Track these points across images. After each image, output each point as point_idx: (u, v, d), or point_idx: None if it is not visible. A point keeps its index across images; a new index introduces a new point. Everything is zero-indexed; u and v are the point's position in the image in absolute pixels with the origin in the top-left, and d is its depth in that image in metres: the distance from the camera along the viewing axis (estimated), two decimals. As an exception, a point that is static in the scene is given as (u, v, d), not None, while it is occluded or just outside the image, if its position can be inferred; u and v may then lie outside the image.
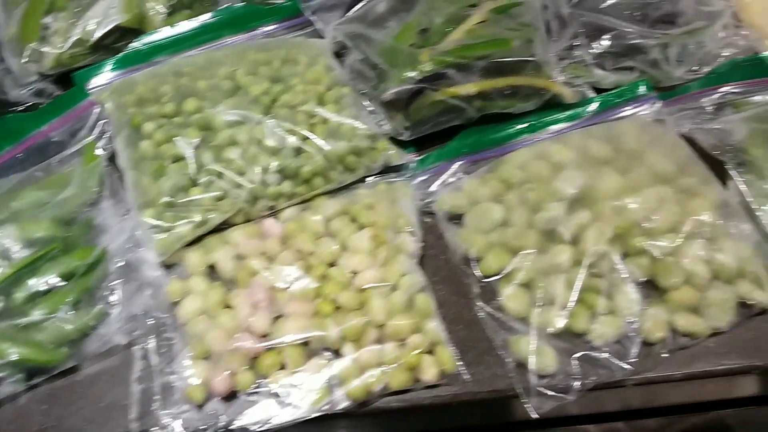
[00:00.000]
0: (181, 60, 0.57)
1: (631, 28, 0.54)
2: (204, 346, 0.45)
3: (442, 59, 0.52)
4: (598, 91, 0.56)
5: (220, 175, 0.49)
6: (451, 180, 0.52)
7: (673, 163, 0.48)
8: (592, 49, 0.54)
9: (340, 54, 0.58)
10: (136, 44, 0.59)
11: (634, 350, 0.44)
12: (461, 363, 0.45)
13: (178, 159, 0.50)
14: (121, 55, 0.58)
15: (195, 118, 0.51)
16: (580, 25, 0.55)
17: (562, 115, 0.54)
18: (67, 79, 0.59)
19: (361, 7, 0.58)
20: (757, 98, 0.54)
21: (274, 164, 0.49)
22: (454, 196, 0.50)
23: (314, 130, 0.51)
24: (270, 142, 0.50)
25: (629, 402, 0.55)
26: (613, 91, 0.55)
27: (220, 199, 0.49)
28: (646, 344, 0.44)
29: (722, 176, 0.49)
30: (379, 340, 0.44)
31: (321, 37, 0.60)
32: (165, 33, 0.59)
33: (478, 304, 0.46)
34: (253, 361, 0.44)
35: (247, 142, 0.50)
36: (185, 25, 0.59)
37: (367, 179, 0.53)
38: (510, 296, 0.46)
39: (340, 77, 0.55)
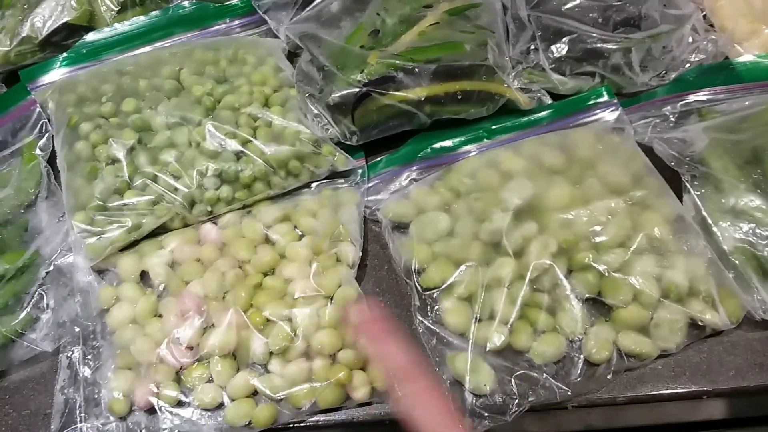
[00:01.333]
0: (126, 58, 0.55)
1: (592, 31, 0.52)
2: (130, 356, 0.43)
3: (390, 62, 0.49)
4: (558, 97, 0.53)
5: (155, 178, 0.47)
6: (400, 187, 0.50)
7: (626, 175, 0.46)
8: (551, 53, 0.52)
9: (297, 54, 0.56)
10: (84, 42, 0.57)
11: (576, 371, 0.42)
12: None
13: (115, 161, 0.48)
14: (68, 53, 0.57)
15: (133, 119, 0.49)
16: (539, 27, 0.52)
17: (517, 122, 0.52)
18: (16, 77, 0.57)
19: (314, 6, 0.56)
20: (723, 107, 0.51)
21: (212, 168, 0.47)
22: (399, 204, 0.49)
23: (257, 133, 0.49)
24: (209, 145, 0.48)
25: (590, 422, 0.53)
26: (571, 98, 0.53)
27: (155, 203, 0.47)
28: (590, 365, 0.42)
29: (680, 189, 0.47)
30: (309, 355, 0.43)
31: (277, 36, 0.58)
32: (115, 30, 0.58)
33: (417, 317, 0.44)
34: (180, 373, 0.43)
35: (185, 145, 0.49)
36: (135, 23, 0.58)
37: (313, 185, 0.51)
38: (449, 310, 0.44)
39: (289, 79, 0.53)
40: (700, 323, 0.42)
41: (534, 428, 0.49)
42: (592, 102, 0.52)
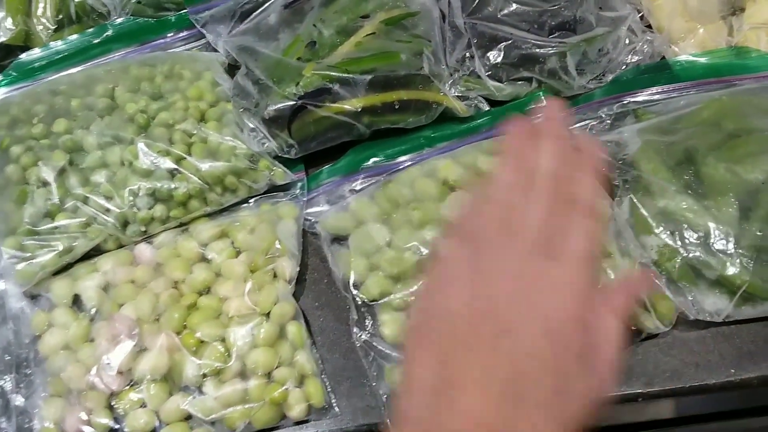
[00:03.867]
0: (61, 77, 0.54)
1: (527, 37, 0.52)
2: (61, 383, 0.42)
3: (326, 74, 0.49)
4: (498, 103, 0.53)
5: (86, 200, 0.47)
6: (340, 199, 0.50)
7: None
8: (487, 60, 0.52)
9: (238, 67, 0.56)
10: (20, 62, 0.56)
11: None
12: (333, 395, 0.43)
13: (45, 183, 0.47)
14: (3, 74, 0.56)
15: (63, 140, 0.48)
16: (475, 35, 0.52)
17: (456, 129, 0.52)
18: (-50, 99, 0.56)
19: (252, 19, 0.56)
20: (659, 107, 0.51)
21: (144, 187, 0.47)
22: (338, 216, 0.48)
23: (192, 149, 0.49)
24: (142, 164, 0.47)
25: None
26: (509, 103, 0.53)
27: (87, 225, 0.46)
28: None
29: (612, 192, 0.47)
30: (244, 375, 0.42)
31: (216, 50, 0.58)
32: (51, 49, 0.57)
33: (354, 331, 0.44)
34: (112, 399, 0.42)
35: (117, 165, 0.48)
36: (72, 41, 0.57)
37: (252, 200, 0.51)
38: (387, 322, 0.43)
39: (226, 93, 0.53)
40: (632, 327, 0.42)
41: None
42: (529, 107, 0.52)
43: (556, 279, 0.30)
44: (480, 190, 0.33)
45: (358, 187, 0.51)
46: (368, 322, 0.44)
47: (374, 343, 0.43)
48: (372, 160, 0.52)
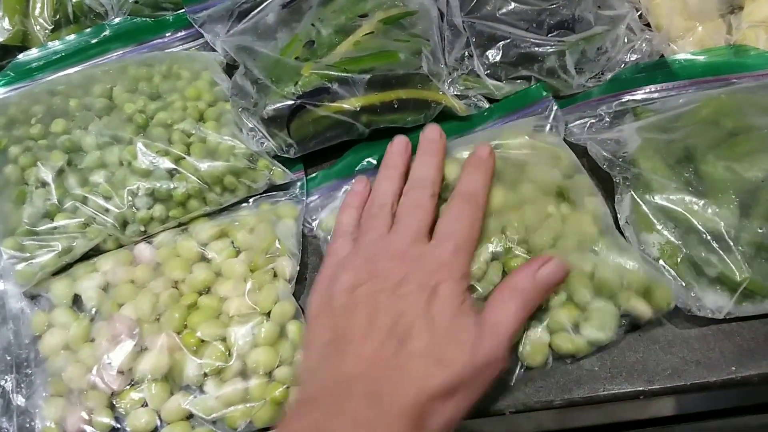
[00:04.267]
0: (59, 78, 0.54)
1: (526, 36, 0.52)
2: (61, 383, 0.42)
3: (324, 73, 0.49)
4: (494, 102, 0.53)
5: (85, 200, 0.46)
6: (337, 201, 0.50)
7: (557, 176, 0.46)
8: (485, 59, 0.52)
9: (236, 67, 0.56)
10: (17, 62, 0.56)
11: (512, 377, 0.41)
12: (334, 395, 0.43)
13: (44, 184, 0.47)
14: (1, 74, 0.56)
15: (62, 140, 0.48)
16: (473, 34, 0.52)
17: (456, 127, 0.52)
18: (-53, 100, 0.56)
19: (250, 18, 0.56)
20: (658, 105, 0.51)
21: (143, 187, 0.47)
22: (334, 218, 0.48)
23: (190, 149, 0.49)
24: (140, 164, 0.47)
25: (543, 424, 0.53)
26: (506, 99, 0.52)
27: (86, 225, 0.46)
28: (527, 369, 0.42)
29: (613, 190, 0.47)
30: (244, 374, 0.42)
31: (214, 49, 0.58)
32: (49, 49, 0.57)
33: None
34: (113, 398, 0.42)
35: (116, 165, 0.48)
36: (70, 41, 0.57)
37: (251, 200, 0.51)
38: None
39: (225, 93, 0.53)
40: (633, 319, 0.42)
41: (487, 428, 0.49)
42: (527, 101, 0.52)
43: (435, 256, 0.39)
44: (369, 199, 0.45)
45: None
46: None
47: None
48: (367, 162, 0.52)
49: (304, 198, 0.50)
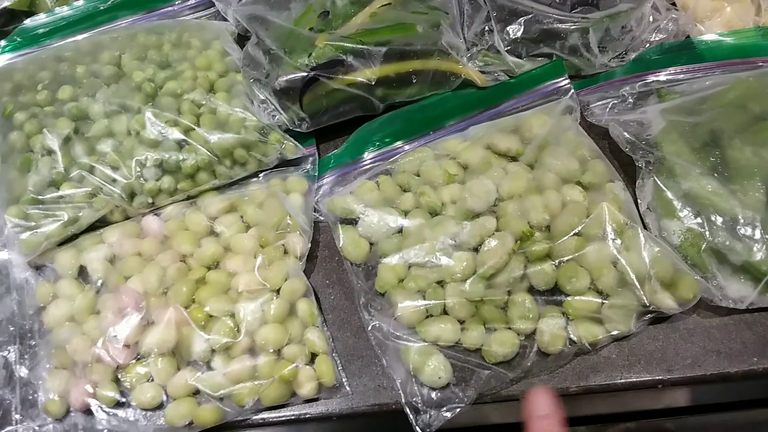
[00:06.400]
0: (66, 44, 0.53)
1: (548, 11, 0.50)
2: (65, 355, 0.41)
3: (339, 45, 0.47)
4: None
5: (92, 169, 0.45)
6: (348, 184, 0.48)
7: (579, 160, 0.44)
8: (506, 34, 0.50)
9: (247, 37, 0.54)
10: (24, 27, 0.55)
11: (528, 363, 0.40)
12: (344, 374, 0.42)
13: (50, 151, 0.46)
14: (7, 39, 0.54)
15: (69, 107, 0.47)
16: (494, 8, 0.51)
17: (476, 101, 0.50)
18: (-47, 65, 0.55)
19: (263, -13, 0.54)
20: (683, 87, 0.50)
21: (152, 157, 0.45)
22: (346, 199, 0.46)
23: (200, 120, 0.47)
24: (149, 134, 0.46)
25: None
26: (522, 76, 0.50)
27: (93, 195, 0.45)
28: (544, 355, 0.41)
29: (635, 174, 0.45)
30: (253, 351, 0.41)
31: (226, 19, 0.56)
32: (56, 15, 0.55)
33: (365, 314, 0.43)
34: (119, 372, 0.41)
35: (124, 134, 0.46)
36: (78, 7, 0.55)
37: (262, 174, 0.49)
38: (401, 306, 0.42)
39: (236, 64, 0.51)
40: (653, 309, 0.41)
41: (495, 418, 0.48)
42: (543, 79, 0.50)
43: None
44: None
45: (367, 168, 0.49)
46: (381, 303, 0.43)
47: (384, 326, 0.42)
48: (378, 142, 0.50)
49: (315, 174, 0.49)
